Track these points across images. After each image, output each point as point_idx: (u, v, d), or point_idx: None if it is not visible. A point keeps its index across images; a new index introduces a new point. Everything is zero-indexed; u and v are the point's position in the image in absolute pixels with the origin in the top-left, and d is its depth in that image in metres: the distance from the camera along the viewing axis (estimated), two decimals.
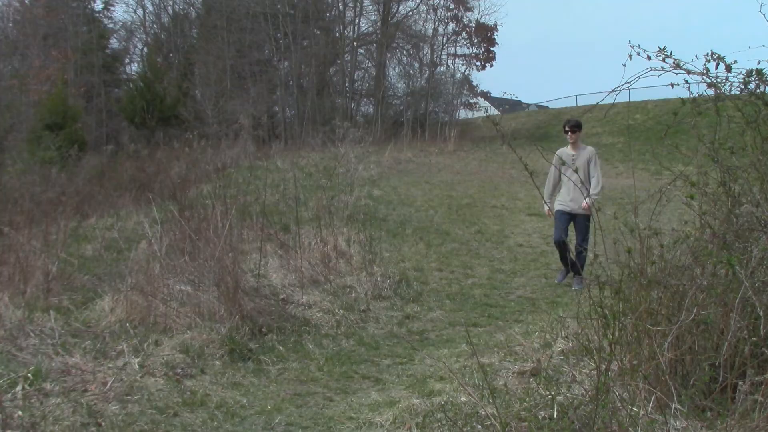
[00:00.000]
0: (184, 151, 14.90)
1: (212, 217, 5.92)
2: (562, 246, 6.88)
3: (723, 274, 2.88)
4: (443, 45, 27.97)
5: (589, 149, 7.13)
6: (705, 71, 3.01)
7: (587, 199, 6.55)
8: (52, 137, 15.69)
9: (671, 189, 3.09)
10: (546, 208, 7.35)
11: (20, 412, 3.18)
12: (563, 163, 6.59)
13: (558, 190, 7.19)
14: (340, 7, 27.30)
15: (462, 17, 27.93)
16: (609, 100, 3.42)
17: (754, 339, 2.67)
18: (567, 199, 6.97)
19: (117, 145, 19.14)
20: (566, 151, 7.15)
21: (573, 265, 6.82)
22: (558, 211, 6.99)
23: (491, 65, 28.63)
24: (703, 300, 2.83)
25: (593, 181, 6.95)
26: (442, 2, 27.17)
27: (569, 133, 7.10)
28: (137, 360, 4.11)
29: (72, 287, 6.00)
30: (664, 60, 2.99)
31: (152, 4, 28.37)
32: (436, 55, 27.89)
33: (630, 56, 2.96)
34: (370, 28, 28.25)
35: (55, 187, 10.51)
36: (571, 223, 7.03)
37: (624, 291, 2.94)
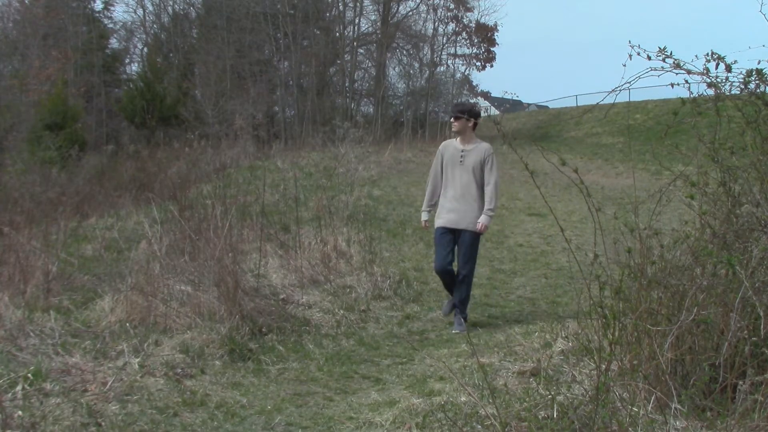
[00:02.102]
0: (184, 151, 14.91)
1: (212, 217, 5.92)
2: (445, 275, 5.50)
3: (723, 274, 2.88)
4: (443, 45, 28.03)
5: (485, 146, 5.52)
6: (705, 71, 3.01)
7: (482, 217, 5.37)
8: (52, 137, 15.71)
9: (671, 189, 3.09)
10: (423, 216, 5.72)
11: (20, 412, 3.18)
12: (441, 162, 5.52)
13: (443, 195, 5.60)
14: (340, 7, 27.33)
15: (462, 17, 28.00)
16: (609, 100, 3.41)
17: (754, 339, 2.67)
18: (450, 208, 5.47)
19: (117, 145, 19.16)
20: (454, 144, 5.61)
21: (458, 300, 5.51)
22: (438, 229, 5.48)
23: (491, 65, 28.74)
24: (703, 300, 2.83)
25: (489, 190, 5.41)
26: (442, 2, 27.23)
27: (453, 120, 5.54)
28: (137, 360, 4.10)
29: (72, 287, 6.00)
30: (664, 60, 2.99)
31: (152, 4, 28.42)
32: (436, 55, 27.94)
33: (630, 56, 2.96)
34: (370, 28, 28.30)
35: (55, 187, 10.52)
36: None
37: (624, 291, 2.94)
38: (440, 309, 6.20)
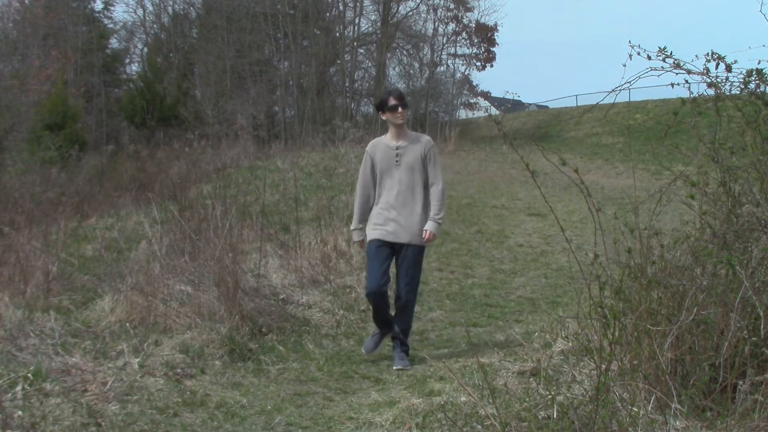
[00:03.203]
0: (184, 151, 14.91)
1: (212, 217, 5.92)
2: (378, 299, 4.52)
3: (723, 274, 2.88)
4: (443, 45, 27.97)
5: (425, 140, 4.61)
6: (705, 71, 3.01)
7: (429, 224, 4.48)
8: (52, 137, 15.70)
9: (671, 189, 3.09)
10: (355, 237, 4.75)
11: (20, 412, 3.18)
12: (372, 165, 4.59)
13: (377, 204, 4.62)
14: (340, 7, 27.30)
15: (462, 17, 27.95)
16: (609, 100, 3.42)
17: (754, 339, 2.67)
18: (388, 218, 4.51)
19: (117, 145, 19.17)
20: (384, 142, 4.62)
21: (396, 327, 4.61)
22: (373, 242, 4.54)
23: (491, 65, 28.65)
24: (703, 300, 2.83)
25: (435, 192, 4.52)
26: (442, 2, 27.18)
27: (401, 110, 4.52)
28: (137, 360, 4.11)
29: (72, 287, 6.00)
30: (664, 60, 2.99)
31: (152, 4, 28.38)
32: (436, 55, 27.89)
33: (630, 56, 2.96)
34: (370, 28, 28.26)
35: (55, 187, 10.53)
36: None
37: (624, 291, 2.94)
38: (440, 308, 6.16)
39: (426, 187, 4.55)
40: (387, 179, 4.55)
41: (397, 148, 4.54)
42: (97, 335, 4.63)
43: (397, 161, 4.52)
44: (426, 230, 4.47)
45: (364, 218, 4.66)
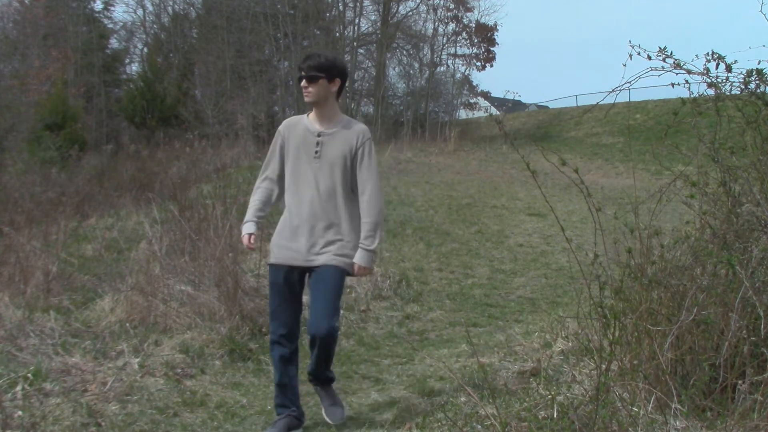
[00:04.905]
0: (185, 151, 14.90)
1: (212, 217, 5.92)
2: (284, 360, 3.26)
3: (723, 274, 2.88)
4: (443, 45, 28.00)
5: (358, 129, 3.34)
6: (705, 71, 3.01)
7: (358, 255, 3.23)
8: (52, 137, 15.69)
9: (671, 189, 3.09)
10: (245, 233, 3.34)
11: (20, 412, 3.19)
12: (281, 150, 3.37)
13: (285, 209, 3.38)
14: (340, 7, 27.30)
15: (462, 17, 27.99)
16: (609, 100, 3.42)
17: (754, 339, 2.68)
18: (295, 232, 3.27)
19: (117, 145, 19.15)
20: (305, 123, 3.37)
21: (322, 376, 3.43)
22: (274, 269, 3.29)
23: (491, 65, 28.71)
24: (703, 300, 2.83)
25: (364, 204, 3.28)
26: (442, 2, 27.21)
27: (306, 85, 3.25)
28: (137, 360, 4.11)
29: (72, 287, 6.00)
30: (664, 60, 2.99)
31: (152, 4, 28.39)
32: (436, 55, 27.91)
33: (630, 56, 2.96)
34: (370, 28, 28.26)
35: (55, 187, 10.52)
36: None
37: (624, 291, 2.94)
38: (440, 308, 6.16)
39: (352, 193, 3.31)
40: (299, 176, 3.30)
41: (319, 135, 3.29)
42: (97, 335, 4.63)
43: (316, 153, 3.27)
44: (354, 264, 3.23)
45: (262, 211, 3.40)
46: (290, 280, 3.26)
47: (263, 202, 3.42)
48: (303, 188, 3.28)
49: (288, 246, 3.26)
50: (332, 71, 3.26)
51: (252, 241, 3.32)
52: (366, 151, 3.30)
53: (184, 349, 4.40)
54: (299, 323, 3.30)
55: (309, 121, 3.36)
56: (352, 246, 3.25)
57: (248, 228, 3.35)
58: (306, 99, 3.29)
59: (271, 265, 3.30)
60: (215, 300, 4.96)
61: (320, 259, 3.22)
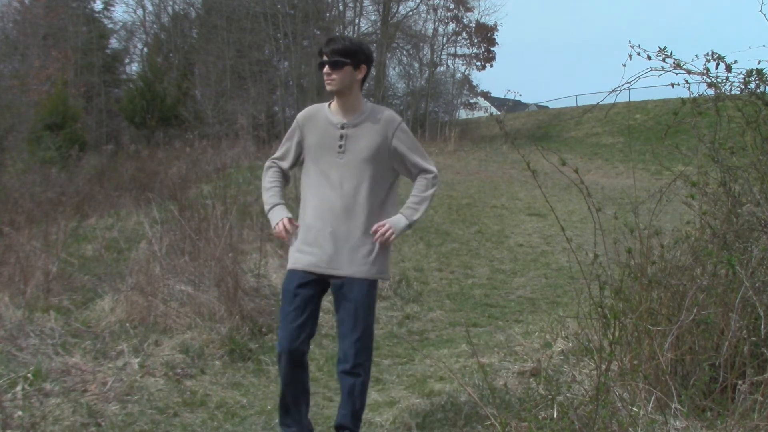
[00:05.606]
0: (185, 151, 14.91)
1: (212, 217, 5.91)
2: (295, 365, 2.89)
3: (723, 274, 2.89)
4: (443, 45, 28.01)
5: (387, 116, 3.04)
6: (705, 71, 3.01)
7: (395, 218, 3.05)
8: (52, 137, 15.70)
9: (671, 189, 3.09)
10: (281, 217, 3.01)
11: (20, 412, 3.19)
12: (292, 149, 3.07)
13: (303, 212, 3.03)
14: (340, 7, 27.31)
15: (462, 17, 28.01)
16: (609, 100, 3.43)
17: (754, 339, 2.68)
18: (318, 236, 2.92)
19: (117, 145, 19.13)
20: (325, 113, 3.04)
21: (346, 416, 2.95)
22: (292, 274, 2.95)
23: (491, 65, 28.74)
24: (703, 300, 2.84)
25: (427, 178, 3.12)
26: (442, 2, 27.22)
27: (329, 71, 2.93)
28: (137, 360, 4.11)
29: (72, 287, 6.00)
30: (664, 60, 2.99)
31: (152, 4, 28.38)
32: (436, 55, 27.92)
33: (630, 56, 2.96)
34: (370, 28, 28.26)
35: (55, 187, 10.53)
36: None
37: (624, 291, 2.95)
38: (440, 308, 6.16)
39: (385, 190, 3.06)
40: (320, 174, 2.95)
41: (342, 127, 2.95)
42: (97, 335, 4.63)
43: (340, 147, 2.93)
44: (384, 224, 2.97)
45: (280, 199, 3.10)
46: (306, 289, 2.89)
47: (281, 182, 3.14)
48: (324, 187, 2.94)
49: (310, 251, 2.91)
50: (358, 56, 2.95)
51: (290, 223, 2.97)
52: (404, 138, 3.01)
53: (184, 349, 4.40)
54: (310, 337, 2.93)
55: (330, 111, 3.02)
56: (374, 248, 2.94)
57: (281, 212, 3.01)
58: (328, 87, 2.97)
59: (289, 271, 2.98)
60: (215, 300, 4.96)
61: (345, 270, 2.88)
